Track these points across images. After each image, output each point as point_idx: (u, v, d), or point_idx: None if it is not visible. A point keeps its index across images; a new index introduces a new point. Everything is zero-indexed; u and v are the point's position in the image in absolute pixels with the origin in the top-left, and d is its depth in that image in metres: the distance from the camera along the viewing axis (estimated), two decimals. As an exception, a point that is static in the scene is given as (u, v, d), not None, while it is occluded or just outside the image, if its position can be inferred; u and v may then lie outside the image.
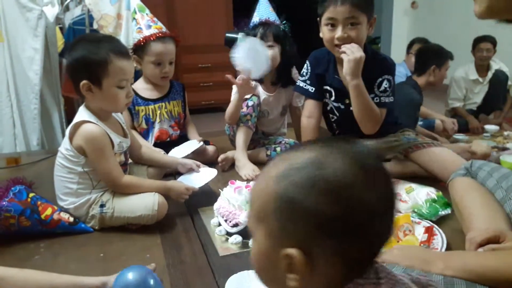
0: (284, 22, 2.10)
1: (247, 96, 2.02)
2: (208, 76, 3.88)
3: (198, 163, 1.76)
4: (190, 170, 1.73)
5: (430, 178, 1.74)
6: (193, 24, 3.77)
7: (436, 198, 1.47)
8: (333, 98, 1.87)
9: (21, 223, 1.37)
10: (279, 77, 2.12)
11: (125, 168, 1.55)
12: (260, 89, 2.11)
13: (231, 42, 2.40)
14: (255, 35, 2.00)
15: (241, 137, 2.00)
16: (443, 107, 3.32)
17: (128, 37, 2.36)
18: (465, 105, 3.22)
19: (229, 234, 1.36)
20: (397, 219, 1.31)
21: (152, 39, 1.98)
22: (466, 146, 2.13)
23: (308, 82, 1.89)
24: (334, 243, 0.50)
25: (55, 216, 1.42)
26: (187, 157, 1.85)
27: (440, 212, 1.41)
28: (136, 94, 2.00)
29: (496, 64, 3.23)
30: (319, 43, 1.79)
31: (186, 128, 2.22)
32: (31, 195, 1.43)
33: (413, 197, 1.49)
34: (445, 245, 1.19)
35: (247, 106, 2.02)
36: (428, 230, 1.26)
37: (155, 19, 2.07)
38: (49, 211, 1.42)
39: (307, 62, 1.91)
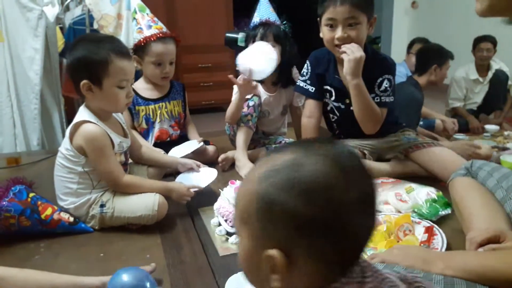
0: (285, 22, 2.10)
1: (248, 96, 2.02)
2: (208, 76, 3.88)
3: (198, 163, 1.75)
4: (190, 169, 1.73)
5: (430, 178, 1.74)
6: (193, 24, 3.77)
7: (436, 198, 1.47)
8: (333, 98, 1.87)
9: (21, 223, 1.37)
10: (279, 77, 2.12)
11: (125, 168, 1.55)
12: (260, 89, 2.11)
13: (231, 42, 2.41)
14: (255, 35, 2.00)
15: (241, 137, 2.00)
16: (443, 107, 3.32)
17: (129, 37, 2.36)
18: (465, 105, 3.22)
19: (229, 234, 1.36)
20: (397, 219, 1.31)
21: (152, 39, 1.98)
22: (469, 142, 2.15)
23: (308, 82, 1.89)
24: (314, 243, 0.51)
25: (55, 216, 1.42)
26: (187, 156, 1.85)
27: (440, 212, 1.41)
28: (136, 94, 2.00)
29: (496, 64, 3.23)
30: (319, 43, 1.80)
31: (186, 128, 2.22)
32: (31, 195, 1.43)
33: (413, 197, 1.48)
34: (445, 245, 1.19)
35: (248, 106, 2.02)
36: (428, 230, 1.26)
37: (155, 19, 2.07)
38: (49, 211, 1.42)
39: (307, 62, 1.91)
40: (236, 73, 1.99)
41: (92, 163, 1.43)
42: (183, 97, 2.19)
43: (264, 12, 2.06)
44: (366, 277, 0.53)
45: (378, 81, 1.76)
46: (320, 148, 0.54)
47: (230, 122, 2.07)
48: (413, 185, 1.56)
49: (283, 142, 2.16)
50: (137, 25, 2.04)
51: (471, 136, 2.74)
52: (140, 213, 1.42)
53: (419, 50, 2.73)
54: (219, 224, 1.41)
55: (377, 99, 1.75)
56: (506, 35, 3.32)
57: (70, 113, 2.63)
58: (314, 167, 0.51)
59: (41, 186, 1.55)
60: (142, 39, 1.99)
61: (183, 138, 2.15)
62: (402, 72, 3.05)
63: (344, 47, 1.63)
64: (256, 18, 2.06)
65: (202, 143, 2.05)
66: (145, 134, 2.08)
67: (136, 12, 2.07)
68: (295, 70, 2.16)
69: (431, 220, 1.36)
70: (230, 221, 1.36)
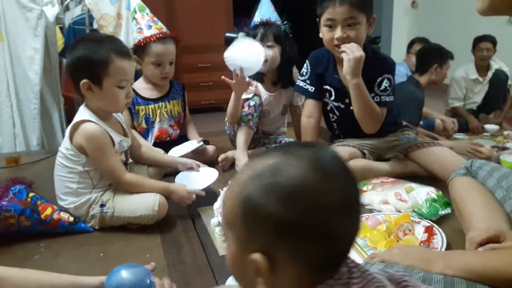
0: (286, 22, 2.10)
1: (249, 96, 2.02)
2: (208, 76, 3.87)
3: (198, 163, 1.75)
4: (190, 169, 1.73)
5: (430, 178, 1.74)
6: (193, 24, 3.77)
7: (436, 197, 1.47)
8: (333, 97, 1.87)
9: (21, 222, 1.37)
10: (279, 77, 2.12)
11: (126, 168, 1.55)
12: (261, 89, 2.11)
13: (231, 42, 2.41)
14: (255, 35, 2.00)
15: (242, 137, 2.00)
16: (443, 106, 3.32)
17: (128, 37, 2.35)
18: (465, 104, 3.22)
19: (229, 233, 1.36)
20: (397, 218, 1.31)
21: (152, 39, 1.98)
22: (472, 141, 2.16)
23: (308, 82, 1.89)
24: (295, 247, 0.51)
25: (55, 216, 1.42)
26: (187, 156, 1.84)
27: (440, 212, 1.41)
28: (136, 93, 2.00)
29: (496, 63, 3.23)
30: (319, 43, 1.80)
31: (186, 128, 2.22)
32: (31, 194, 1.43)
33: (413, 196, 1.49)
34: (445, 245, 1.19)
35: (249, 106, 2.02)
36: (428, 230, 1.26)
37: (155, 18, 2.07)
38: (49, 210, 1.42)
39: (307, 62, 1.91)
40: (234, 74, 1.99)
41: (93, 161, 1.43)
42: (183, 97, 2.19)
43: (265, 11, 2.06)
44: (353, 278, 0.54)
45: (378, 80, 1.76)
46: (301, 152, 0.54)
47: (231, 122, 2.07)
48: (413, 185, 1.56)
49: (283, 141, 2.16)
50: (137, 25, 2.03)
51: (471, 135, 2.74)
52: (140, 213, 1.42)
53: (420, 49, 2.73)
54: (219, 224, 1.41)
55: (377, 98, 1.75)
56: (506, 34, 3.32)
57: (70, 113, 2.62)
58: (294, 172, 0.52)
59: (40, 186, 1.55)
60: (142, 39, 1.99)
61: (182, 138, 2.15)
62: (402, 72, 3.05)
63: (343, 47, 1.63)
64: (257, 18, 2.06)
65: (201, 143, 2.05)
66: (145, 134, 2.08)
67: (136, 12, 2.07)
68: (295, 70, 2.16)
69: (431, 220, 1.36)
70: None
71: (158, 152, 1.83)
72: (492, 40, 3.10)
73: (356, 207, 0.55)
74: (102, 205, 1.45)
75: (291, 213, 0.50)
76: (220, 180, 1.71)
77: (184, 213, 1.56)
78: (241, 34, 2.15)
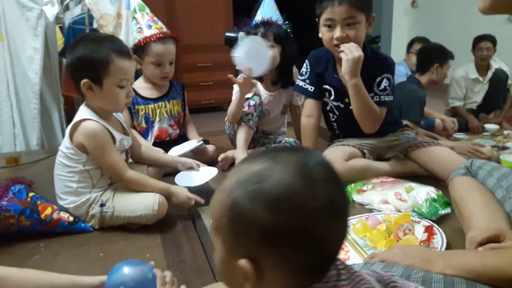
0: (287, 22, 2.10)
1: (249, 96, 2.02)
2: (208, 75, 3.87)
3: (198, 162, 1.75)
4: (190, 168, 1.73)
5: (430, 177, 1.74)
6: (193, 23, 3.76)
7: (436, 197, 1.47)
8: (332, 97, 1.87)
9: (21, 222, 1.37)
10: (279, 77, 2.12)
11: (126, 167, 1.55)
12: (261, 89, 2.11)
13: (231, 42, 2.40)
14: (255, 34, 2.00)
15: (241, 136, 2.00)
16: (443, 106, 3.32)
17: (128, 36, 2.35)
18: (465, 104, 3.22)
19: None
20: (397, 218, 1.31)
21: (152, 39, 1.98)
22: (473, 141, 2.17)
23: (307, 81, 1.89)
24: (281, 253, 0.51)
25: (55, 216, 1.42)
26: (187, 156, 1.85)
27: (440, 212, 1.41)
28: (136, 93, 2.00)
29: (496, 63, 3.23)
30: (319, 42, 1.79)
31: (185, 128, 2.22)
32: (30, 194, 1.43)
33: (413, 196, 1.48)
34: (445, 244, 1.19)
35: (249, 106, 2.02)
36: (428, 230, 1.26)
37: (155, 18, 2.07)
38: (48, 210, 1.42)
39: (306, 61, 1.91)
40: (236, 72, 1.99)
41: (95, 159, 1.43)
42: (183, 97, 2.19)
43: (267, 10, 2.06)
44: (341, 280, 0.54)
45: (377, 80, 1.76)
46: (287, 158, 0.54)
47: (232, 121, 2.07)
48: (413, 185, 1.56)
49: (282, 141, 2.16)
50: (137, 24, 2.03)
51: (470, 135, 2.74)
52: (140, 212, 1.42)
53: (421, 49, 2.73)
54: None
55: (376, 98, 1.75)
56: (506, 34, 3.32)
57: (70, 113, 2.62)
58: (279, 178, 0.52)
59: (40, 185, 1.55)
60: (142, 39, 1.99)
61: (182, 137, 2.15)
62: (402, 72, 3.05)
63: (342, 47, 1.63)
64: (258, 17, 2.05)
65: (201, 142, 2.05)
66: (145, 133, 2.08)
67: (136, 11, 2.07)
68: (295, 70, 2.16)
69: (430, 220, 1.36)
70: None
71: (158, 152, 1.83)
72: (492, 39, 3.10)
73: (343, 211, 0.55)
74: (102, 205, 1.45)
75: (277, 220, 0.50)
76: (220, 179, 1.70)
77: (184, 213, 1.56)
78: (241, 33, 2.15)
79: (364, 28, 1.68)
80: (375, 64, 1.76)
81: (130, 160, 1.64)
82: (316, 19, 1.73)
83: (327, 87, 1.86)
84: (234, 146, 2.10)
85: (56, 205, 1.46)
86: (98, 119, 1.42)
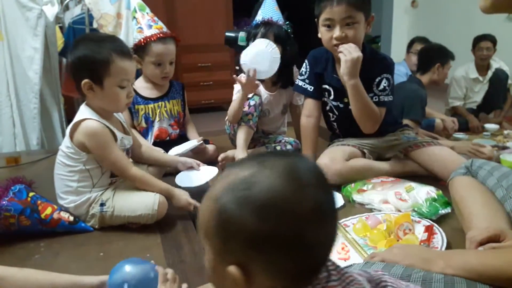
0: (287, 22, 2.10)
1: (249, 96, 2.02)
2: (208, 75, 3.87)
3: (198, 162, 1.76)
4: (190, 168, 1.74)
5: (430, 177, 1.74)
6: (193, 23, 3.76)
7: (436, 197, 1.47)
8: (332, 97, 1.87)
9: (21, 222, 1.37)
10: (279, 77, 2.12)
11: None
12: (261, 88, 2.11)
13: (231, 42, 2.41)
14: (256, 34, 2.00)
15: (242, 136, 2.00)
16: (443, 106, 3.32)
17: (128, 36, 2.35)
18: (465, 104, 3.22)
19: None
20: (397, 218, 1.31)
21: (153, 39, 1.98)
22: (474, 141, 2.17)
23: (307, 81, 1.89)
24: (269, 258, 0.51)
25: (55, 216, 1.42)
26: (187, 156, 1.85)
27: (440, 211, 1.41)
28: (136, 93, 2.00)
29: (496, 63, 3.23)
30: (319, 42, 1.79)
31: (185, 128, 2.22)
32: (31, 194, 1.43)
33: (413, 196, 1.48)
34: (445, 244, 1.19)
35: (249, 106, 2.02)
36: (428, 229, 1.26)
37: (155, 18, 2.07)
38: (49, 210, 1.42)
39: (306, 61, 1.91)
40: (236, 72, 1.99)
41: (98, 158, 1.43)
42: (182, 97, 2.19)
43: (268, 10, 2.06)
44: (331, 281, 0.54)
45: (377, 80, 1.76)
46: (275, 163, 0.54)
47: (232, 121, 2.07)
48: (413, 184, 1.56)
49: (283, 141, 2.16)
50: (137, 24, 2.03)
51: (471, 135, 2.74)
52: (140, 212, 1.42)
53: (422, 49, 2.74)
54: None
55: (375, 98, 1.75)
56: (506, 34, 3.32)
57: (69, 113, 2.62)
58: (267, 183, 0.52)
59: (40, 185, 1.55)
60: (142, 39, 1.99)
61: (182, 137, 2.15)
62: (402, 71, 3.05)
63: (341, 47, 1.63)
64: (259, 16, 2.05)
65: (201, 142, 2.05)
66: (145, 133, 2.08)
67: (136, 11, 2.07)
68: (295, 70, 2.16)
69: (431, 219, 1.36)
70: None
71: (158, 152, 1.83)
72: (492, 39, 3.10)
73: (332, 215, 0.55)
74: (102, 204, 1.45)
75: (264, 226, 0.50)
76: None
77: (184, 213, 1.56)
78: (242, 33, 2.15)
79: (363, 27, 1.68)
80: (374, 64, 1.76)
81: (130, 160, 1.64)
82: (315, 19, 1.73)
83: (327, 87, 1.86)
84: (234, 146, 2.10)
85: (56, 204, 1.46)
86: (99, 119, 1.42)
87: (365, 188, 1.62)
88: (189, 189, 1.57)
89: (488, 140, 2.45)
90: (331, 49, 1.72)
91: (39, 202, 1.42)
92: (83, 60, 1.38)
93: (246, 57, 1.89)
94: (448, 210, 1.42)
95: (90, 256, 1.31)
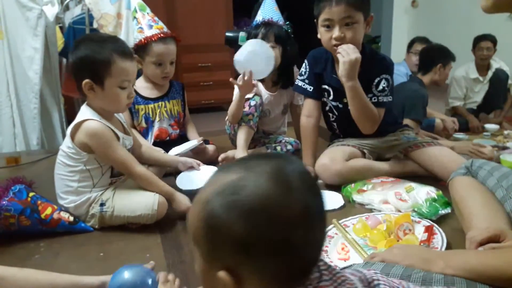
0: (288, 22, 2.10)
1: (250, 96, 2.02)
2: (208, 75, 3.87)
3: (199, 162, 1.76)
4: (191, 168, 1.73)
5: (430, 177, 1.74)
6: (193, 23, 3.76)
7: (436, 197, 1.47)
8: (331, 97, 1.87)
9: (21, 222, 1.38)
10: (280, 77, 2.12)
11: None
12: (262, 89, 2.11)
13: (231, 42, 2.41)
14: (256, 35, 2.00)
15: (242, 137, 2.00)
16: (443, 106, 3.32)
17: (128, 36, 2.35)
18: (465, 104, 3.22)
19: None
20: (397, 218, 1.31)
21: (154, 39, 1.98)
22: (474, 142, 2.17)
23: (306, 81, 1.89)
24: (258, 262, 0.51)
25: (55, 216, 1.42)
26: (187, 156, 1.85)
27: (440, 211, 1.41)
28: (136, 93, 2.00)
29: (496, 63, 3.23)
30: (318, 42, 1.79)
31: (185, 128, 2.22)
32: (31, 194, 1.43)
33: (413, 196, 1.48)
34: (445, 244, 1.19)
35: (250, 106, 2.02)
36: (428, 229, 1.26)
37: (156, 18, 2.07)
38: (49, 210, 1.42)
39: (306, 61, 1.92)
40: (236, 73, 1.99)
41: (101, 158, 1.43)
42: (182, 97, 2.19)
43: (268, 10, 2.06)
44: (322, 281, 0.54)
45: (376, 81, 1.76)
46: (262, 167, 0.54)
47: (232, 122, 2.07)
48: (413, 184, 1.56)
49: (283, 141, 2.16)
50: (138, 24, 2.03)
51: (471, 135, 2.74)
52: (140, 212, 1.42)
53: (424, 49, 2.74)
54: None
55: (374, 99, 1.75)
56: (506, 34, 3.32)
57: (70, 113, 2.62)
58: (253, 188, 0.52)
59: (40, 185, 1.55)
60: (143, 39, 1.99)
61: (182, 137, 2.15)
62: (402, 72, 3.05)
63: (339, 49, 1.63)
64: (259, 17, 2.06)
65: (201, 142, 2.05)
66: (145, 133, 2.08)
67: (136, 11, 2.07)
68: (296, 69, 2.16)
69: (431, 220, 1.36)
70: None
71: (158, 152, 1.83)
72: (492, 39, 3.10)
73: (320, 217, 0.55)
74: (102, 204, 1.45)
75: (253, 230, 0.50)
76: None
77: (184, 213, 1.56)
78: (241, 33, 2.15)
79: (362, 27, 1.67)
80: (373, 64, 1.76)
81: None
82: (315, 20, 1.73)
83: (326, 87, 1.86)
84: (234, 146, 2.10)
85: (56, 205, 1.46)
86: (100, 119, 1.42)
87: (365, 188, 1.62)
88: (190, 192, 1.57)
89: (488, 140, 2.45)
90: (331, 50, 1.72)
91: (39, 202, 1.42)
92: (84, 60, 1.38)
93: (240, 58, 1.89)
94: (448, 210, 1.42)
95: (90, 256, 1.31)
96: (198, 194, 0.57)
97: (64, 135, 2.45)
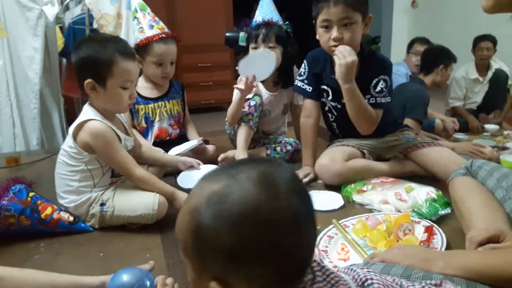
0: (287, 22, 2.10)
1: (250, 96, 2.02)
2: (208, 75, 3.88)
3: (199, 161, 1.76)
4: (191, 167, 1.73)
5: (430, 178, 1.74)
6: (193, 23, 3.77)
7: (436, 197, 1.47)
8: (330, 97, 1.87)
9: (21, 222, 1.37)
10: (280, 77, 2.12)
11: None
12: (262, 89, 2.11)
13: (231, 42, 2.41)
14: (257, 35, 2.00)
15: (242, 137, 2.00)
16: (443, 106, 3.32)
17: (129, 36, 2.35)
18: (465, 104, 3.22)
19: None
20: (397, 218, 1.31)
21: (154, 39, 1.98)
22: (474, 142, 2.17)
23: (305, 81, 1.90)
24: (249, 269, 0.51)
25: (55, 216, 1.42)
26: (187, 156, 1.85)
27: (440, 212, 1.41)
28: (136, 92, 2.00)
29: (496, 63, 3.23)
30: (318, 43, 1.79)
31: (185, 128, 2.22)
32: (31, 194, 1.43)
33: (413, 196, 1.48)
34: (445, 245, 1.19)
35: (249, 106, 2.02)
36: (428, 230, 1.26)
37: (156, 18, 2.07)
38: (49, 210, 1.42)
39: (305, 61, 1.92)
40: (235, 73, 1.99)
41: (103, 158, 1.43)
42: (182, 97, 2.19)
43: (266, 11, 2.06)
44: (316, 283, 0.54)
45: (374, 82, 1.76)
46: (248, 173, 0.53)
47: (231, 123, 2.07)
48: (413, 185, 1.56)
49: (283, 141, 2.16)
50: (139, 24, 2.03)
51: (470, 135, 2.74)
52: (140, 212, 1.42)
53: (426, 50, 2.75)
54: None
55: (372, 100, 1.75)
56: (506, 34, 3.32)
57: (69, 113, 2.62)
58: (239, 196, 0.51)
59: (40, 185, 1.55)
60: (144, 39, 1.99)
61: (182, 137, 2.15)
62: (402, 72, 3.05)
63: (336, 51, 1.63)
64: (258, 17, 2.05)
65: (201, 141, 2.05)
66: (145, 133, 2.08)
67: (137, 11, 2.07)
68: (296, 70, 2.16)
69: (430, 220, 1.36)
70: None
71: (158, 152, 1.83)
72: (492, 39, 3.10)
73: (309, 219, 0.55)
74: (102, 204, 1.45)
75: (241, 238, 0.50)
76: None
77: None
78: (242, 33, 2.15)
79: (360, 28, 1.67)
80: (372, 65, 1.76)
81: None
82: (313, 21, 1.73)
83: (325, 87, 1.86)
84: (234, 146, 2.10)
85: (56, 205, 1.46)
86: (103, 119, 1.42)
87: (365, 188, 1.62)
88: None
89: (488, 141, 2.46)
90: (329, 51, 1.72)
91: (39, 202, 1.42)
92: (86, 61, 1.38)
93: (244, 68, 1.91)
94: (448, 210, 1.42)
95: (90, 256, 1.31)
96: (185, 204, 0.57)
97: (64, 135, 2.45)
